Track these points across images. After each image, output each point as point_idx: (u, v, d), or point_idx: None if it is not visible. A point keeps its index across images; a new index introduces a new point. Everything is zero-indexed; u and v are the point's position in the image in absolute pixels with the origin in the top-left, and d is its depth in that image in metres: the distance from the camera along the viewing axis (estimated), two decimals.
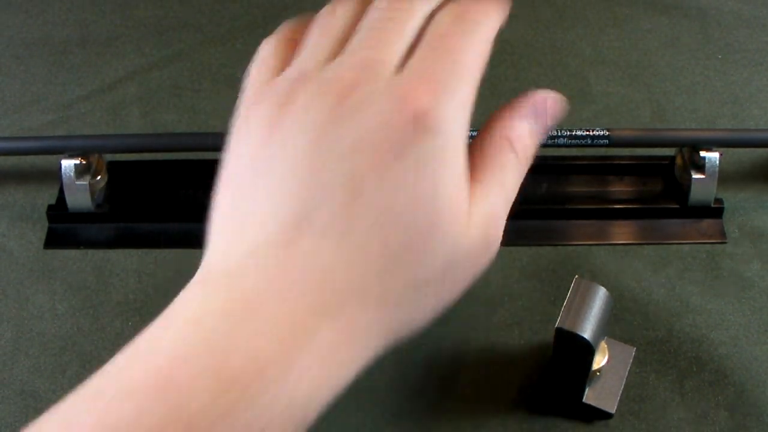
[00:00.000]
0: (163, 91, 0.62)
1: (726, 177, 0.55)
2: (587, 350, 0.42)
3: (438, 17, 0.38)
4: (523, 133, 0.38)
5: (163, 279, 0.52)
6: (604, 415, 0.45)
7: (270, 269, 0.33)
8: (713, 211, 0.54)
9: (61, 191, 0.54)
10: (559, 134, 0.52)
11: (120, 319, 0.50)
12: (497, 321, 0.49)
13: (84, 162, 0.53)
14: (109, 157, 0.55)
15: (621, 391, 0.46)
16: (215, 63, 0.64)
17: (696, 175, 0.53)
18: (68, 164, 0.53)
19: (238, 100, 0.39)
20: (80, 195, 0.53)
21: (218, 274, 0.35)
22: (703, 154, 0.52)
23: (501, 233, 0.37)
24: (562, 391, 0.45)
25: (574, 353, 0.42)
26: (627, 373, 0.46)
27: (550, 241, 0.53)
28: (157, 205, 0.55)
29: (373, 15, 0.38)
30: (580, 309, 0.41)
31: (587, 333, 0.41)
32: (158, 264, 0.53)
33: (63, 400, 0.31)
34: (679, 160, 0.54)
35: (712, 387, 0.46)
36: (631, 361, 0.47)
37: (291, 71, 0.38)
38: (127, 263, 0.53)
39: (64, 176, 0.53)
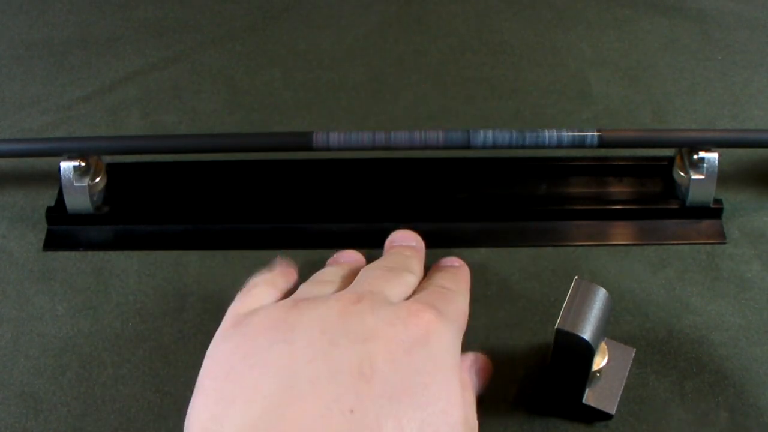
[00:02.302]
0: (163, 93, 0.62)
1: (726, 178, 0.55)
2: (587, 351, 0.42)
3: (421, 289, 0.43)
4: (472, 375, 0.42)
5: (162, 280, 0.52)
6: (604, 416, 0.45)
7: None
8: (712, 211, 0.54)
9: (61, 193, 0.54)
10: (550, 135, 0.52)
11: (120, 321, 0.50)
12: (497, 321, 0.49)
13: (83, 164, 0.53)
14: (108, 158, 0.55)
15: (621, 392, 0.46)
16: (215, 64, 0.64)
17: (695, 176, 0.53)
18: (67, 166, 0.52)
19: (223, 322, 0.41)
20: (79, 197, 0.53)
21: None
22: (702, 154, 0.52)
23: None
24: (562, 392, 0.45)
25: (574, 354, 0.42)
26: (627, 374, 0.46)
27: (549, 242, 0.53)
28: (156, 206, 0.55)
29: (371, 269, 0.43)
30: (580, 310, 0.41)
31: (587, 334, 0.41)
32: (158, 265, 0.53)
33: None
34: (678, 161, 0.54)
35: (712, 388, 0.46)
36: (631, 362, 0.47)
37: (289, 299, 0.41)
38: (127, 264, 0.53)
39: (63, 178, 0.53)
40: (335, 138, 0.52)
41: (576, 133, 0.52)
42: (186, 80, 0.63)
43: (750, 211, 0.54)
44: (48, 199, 0.55)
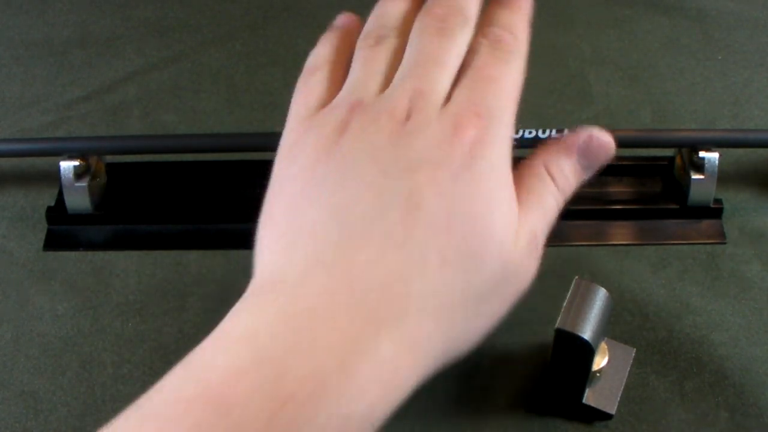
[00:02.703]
0: (163, 92, 0.62)
1: (726, 178, 0.55)
2: (587, 351, 0.42)
3: (476, 49, 0.40)
4: (564, 168, 0.40)
5: (162, 280, 0.52)
6: (604, 416, 0.45)
7: (328, 280, 0.34)
8: (712, 211, 0.54)
9: (61, 193, 0.54)
10: (550, 134, 0.52)
11: (120, 320, 0.50)
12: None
13: (83, 163, 0.53)
14: (108, 158, 0.55)
15: (621, 392, 0.46)
16: (215, 64, 0.64)
17: (695, 176, 0.53)
18: (67, 166, 0.52)
19: (285, 124, 0.40)
20: (79, 197, 0.53)
21: (273, 285, 0.35)
22: (702, 154, 0.52)
23: (540, 254, 0.39)
24: (562, 392, 0.45)
25: (574, 354, 0.42)
26: (627, 374, 0.46)
27: (549, 242, 0.53)
28: (156, 206, 0.55)
29: (417, 46, 0.40)
30: (580, 310, 0.41)
31: (587, 334, 0.41)
32: (158, 265, 0.53)
33: (114, 420, 0.30)
34: (678, 161, 0.54)
35: (713, 388, 0.46)
36: (631, 362, 0.47)
37: (343, 99, 0.39)
38: (127, 264, 0.53)
39: (63, 178, 0.53)
40: None
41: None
42: (186, 80, 0.63)
43: (750, 211, 0.54)
44: (48, 199, 0.55)
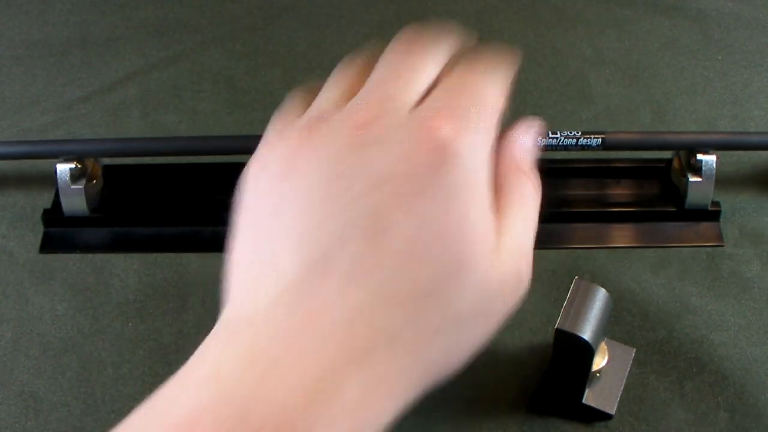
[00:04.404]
0: (163, 93, 0.62)
1: (726, 179, 0.55)
2: (587, 351, 0.42)
3: (454, 64, 0.37)
4: (530, 163, 0.38)
5: (162, 280, 0.52)
6: (604, 416, 0.45)
7: (291, 316, 0.32)
8: (710, 214, 0.54)
9: (57, 195, 0.54)
10: (552, 137, 0.52)
11: (120, 320, 0.50)
12: None
13: (79, 166, 0.53)
14: (104, 160, 0.55)
15: (621, 393, 0.46)
16: (215, 64, 0.64)
17: (693, 178, 0.53)
18: (63, 168, 0.52)
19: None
20: (75, 199, 0.53)
21: (238, 323, 0.33)
22: (699, 157, 0.52)
23: (531, 266, 0.36)
24: (562, 392, 0.45)
25: (574, 354, 0.42)
26: (627, 374, 0.46)
27: (548, 244, 0.53)
28: (153, 209, 0.55)
29: (390, 56, 0.38)
30: (579, 310, 0.41)
31: (587, 334, 0.41)
32: (158, 265, 0.53)
33: None
34: (676, 163, 0.54)
35: (712, 388, 0.46)
36: (630, 362, 0.47)
37: (309, 112, 0.37)
38: (127, 264, 0.53)
39: (59, 180, 0.53)
40: None
41: (580, 136, 0.52)
42: (186, 80, 0.63)
43: (750, 212, 0.54)
44: (48, 199, 0.55)
